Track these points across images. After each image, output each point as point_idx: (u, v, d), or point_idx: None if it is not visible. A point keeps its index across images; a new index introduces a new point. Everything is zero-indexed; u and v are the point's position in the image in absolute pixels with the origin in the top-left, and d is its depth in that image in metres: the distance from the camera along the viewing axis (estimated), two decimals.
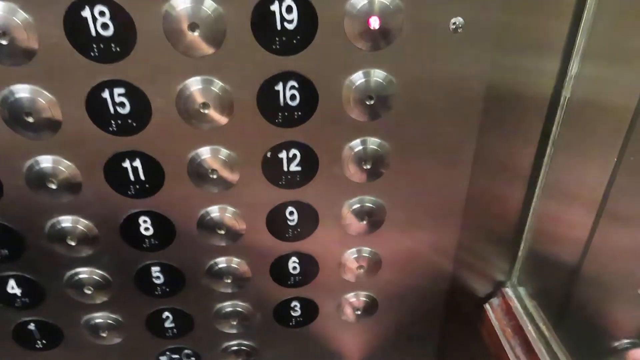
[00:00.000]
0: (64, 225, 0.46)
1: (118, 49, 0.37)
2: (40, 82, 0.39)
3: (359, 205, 0.48)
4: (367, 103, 0.42)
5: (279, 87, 0.40)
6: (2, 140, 0.41)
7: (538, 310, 0.52)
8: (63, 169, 0.43)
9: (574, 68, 0.42)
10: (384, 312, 0.58)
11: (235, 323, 0.56)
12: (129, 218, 0.46)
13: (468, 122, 0.44)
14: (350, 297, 0.56)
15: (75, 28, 0.36)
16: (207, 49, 0.38)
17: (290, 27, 0.38)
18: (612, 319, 0.44)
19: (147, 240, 0.48)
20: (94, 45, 0.37)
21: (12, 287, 0.50)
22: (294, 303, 0.55)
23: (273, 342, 0.59)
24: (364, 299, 0.56)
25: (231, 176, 0.45)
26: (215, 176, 0.44)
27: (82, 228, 0.46)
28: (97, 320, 0.54)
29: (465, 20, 0.39)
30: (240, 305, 0.55)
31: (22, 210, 0.45)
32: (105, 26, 0.36)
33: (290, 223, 0.48)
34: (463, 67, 0.41)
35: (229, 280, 0.52)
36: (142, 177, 0.44)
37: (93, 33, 0.36)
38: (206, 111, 0.41)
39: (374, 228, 0.50)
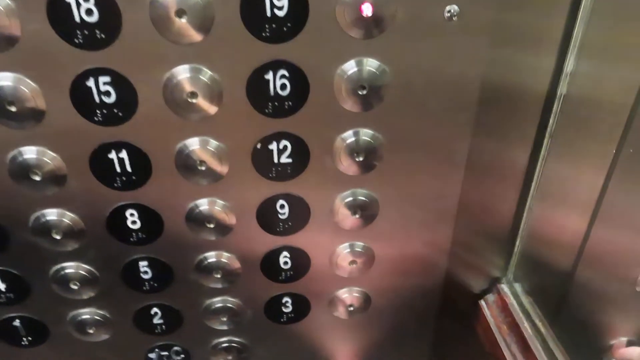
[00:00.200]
0: (48, 218, 0.45)
1: (103, 36, 0.36)
2: (22, 69, 0.38)
3: (351, 199, 0.47)
4: (360, 93, 0.41)
5: (269, 76, 0.39)
6: None
7: (534, 307, 0.51)
8: (47, 160, 0.42)
9: (570, 64, 0.41)
10: (377, 309, 0.57)
11: (225, 319, 0.55)
12: (115, 211, 0.46)
13: (463, 116, 0.44)
14: (343, 293, 0.55)
15: (58, 14, 0.35)
16: (195, 36, 0.37)
17: (280, 13, 0.37)
18: (608, 316, 0.44)
19: (134, 234, 0.47)
20: (78, 32, 0.36)
21: None
22: (285, 299, 0.55)
23: (264, 339, 0.59)
24: (357, 294, 0.55)
25: (220, 168, 0.44)
26: (204, 168, 0.43)
27: (68, 221, 0.45)
28: (84, 317, 0.53)
29: (460, 8, 0.38)
30: (230, 301, 0.54)
31: (5, 202, 0.44)
32: (89, 12, 0.35)
33: (281, 217, 0.48)
34: (458, 56, 0.40)
35: (218, 276, 0.51)
36: (129, 169, 0.43)
37: (77, 19, 0.35)
38: (194, 101, 0.40)
39: (367, 222, 0.49)
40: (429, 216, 0.50)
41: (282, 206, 0.47)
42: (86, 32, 0.36)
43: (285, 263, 0.51)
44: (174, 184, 0.44)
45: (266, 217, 0.48)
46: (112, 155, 0.42)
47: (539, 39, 0.41)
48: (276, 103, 0.41)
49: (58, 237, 0.46)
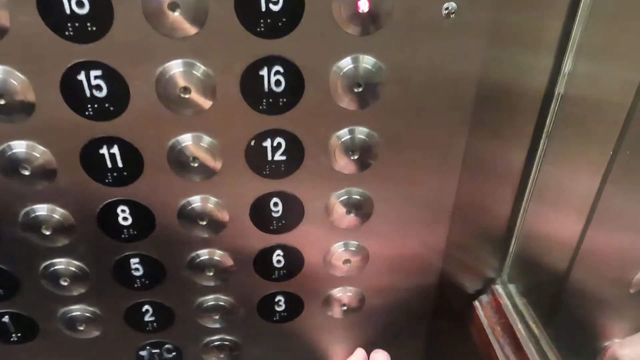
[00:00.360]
0: (38, 213, 0.45)
1: (94, 29, 0.36)
2: (12, 62, 0.37)
3: (346, 197, 0.47)
4: (356, 90, 0.40)
5: (264, 72, 0.39)
6: None
7: (528, 308, 0.51)
8: (37, 155, 0.41)
9: (568, 64, 0.41)
10: (371, 308, 0.57)
11: (217, 317, 0.55)
12: (106, 207, 0.45)
13: (459, 115, 0.43)
14: (337, 292, 0.55)
15: (48, 5, 0.35)
16: (188, 30, 0.36)
17: (275, 8, 0.36)
18: (602, 317, 0.44)
19: (125, 231, 0.46)
20: (69, 24, 0.35)
21: None
22: (278, 297, 0.54)
23: (256, 338, 0.58)
24: (351, 294, 0.55)
25: (213, 164, 0.43)
26: (196, 164, 0.43)
27: (58, 217, 0.45)
28: (74, 313, 0.53)
29: (458, 5, 0.38)
30: (222, 299, 0.53)
31: None
32: (80, 4, 0.35)
33: (274, 214, 0.47)
34: (455, 54, 0.40)
35: (211, 273, 0.50)
36: (120, 165, 0.42)
37: (67, 11, 0.35)
38: (187, 96, 0.39)
39: (362, 221, 0.49)
40: (424, 216, 0.50)
41: (275, 204, 0.46)
42: (77, 24, 0.35)
43: (279, 261, 0.51)
44: (166, 180, 0.44)
45: (259, 214, 0.47)
46: (104, 150, 0.41)
47: (537, 39, 0.41)
48: (270, 99, 0.40)
49: (48, 233, 0.45)
